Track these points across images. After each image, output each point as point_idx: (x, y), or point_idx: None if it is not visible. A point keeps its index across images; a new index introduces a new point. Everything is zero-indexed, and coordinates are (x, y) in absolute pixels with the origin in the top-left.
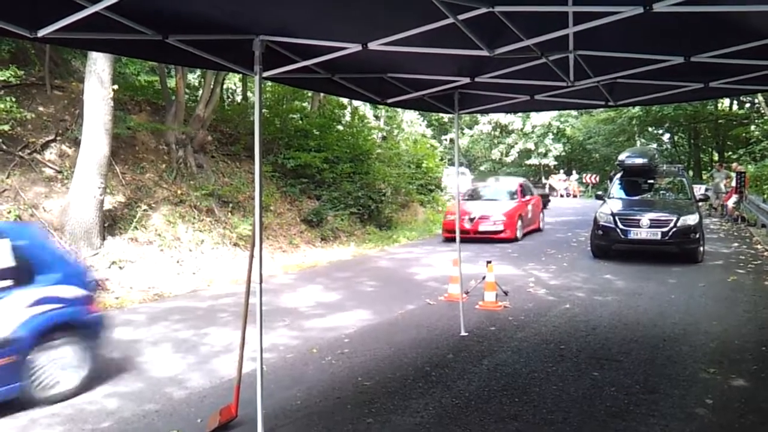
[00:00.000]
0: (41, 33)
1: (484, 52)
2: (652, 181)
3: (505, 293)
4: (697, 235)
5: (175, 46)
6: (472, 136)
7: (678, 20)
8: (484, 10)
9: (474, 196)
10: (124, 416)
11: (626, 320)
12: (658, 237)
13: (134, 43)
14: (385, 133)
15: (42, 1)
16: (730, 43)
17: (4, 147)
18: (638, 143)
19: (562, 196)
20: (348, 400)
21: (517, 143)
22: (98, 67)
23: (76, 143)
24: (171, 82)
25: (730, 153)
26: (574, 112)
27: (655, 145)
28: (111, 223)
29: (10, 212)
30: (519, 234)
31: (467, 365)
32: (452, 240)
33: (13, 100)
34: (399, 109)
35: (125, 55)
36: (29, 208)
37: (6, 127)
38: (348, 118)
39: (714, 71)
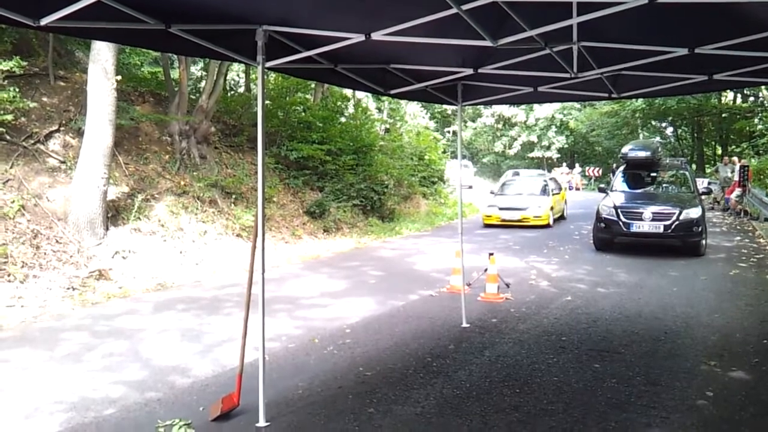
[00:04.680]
0: (44, 21)
1: (488, 43)
2: (655, 174)
3: (507, 285)
4: (700, 229)
5: (178, 36)
6: (475, 128)
7: (682, 11)
8: (488, 0)
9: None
10: (127, 404)
11: (628, 313)
12: (661, 230)
13: (137, 32)
14: (388, 126)
15: None
16: (734, 35)
17: (8, 137)
18: (641, 136)
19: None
20: (349, 390)
21: (520, 136)
22: (102, 58)
23: (79, 134)
24: (174, 73)
25: (733, 147)
26: (577, 105)
27: (658, 138)
28: (114, 214)
29: (14, 202)
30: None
31: (468, 356)
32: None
33: (17, 90)
34: (402, 101)
35: (128, 45)
36: (33, 197)
37: (9, 117)
38: (351, 110)
39: (718, 63)
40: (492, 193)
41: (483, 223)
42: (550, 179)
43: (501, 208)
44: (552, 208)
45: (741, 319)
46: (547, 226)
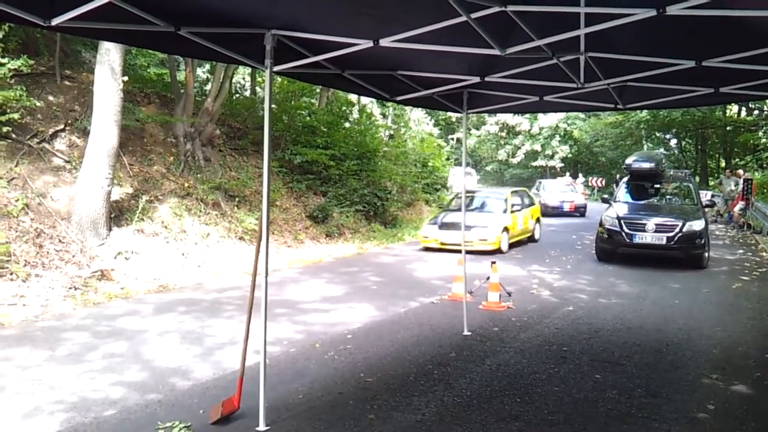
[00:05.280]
0: (55, 22)
1: (496, 51)
2: (658, 185)
3: (509, 294)
4: (703, 241)
5: (187, 38)
6: (479, 136)
7: (690, 24)
8: (496, 9)
9: None
10: (128, 405)
11: (629, 324)
12: (664, 242)
13: (147, 34)
14: (392, 132)
15: None
16: (742, 48)
17: (14, 136)
18: (645, 147)
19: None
20: (350, 396)
21: (523, 144)
22: (109, 58)
23: (85, 133)
24: (180, 75)
25: (737, 159)
26: (581, 115)
27: (662, 150)
28: (118, 214)
29: (18, 200)
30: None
31: (469, 364)
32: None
33: (24, 88)
34: (406, 108)
35: (137, 46)
36: (37, 196)
37: (16, 116)
38: (356, 115)
39: (725, 76)
40: (441, 207)
41: (422, 246)
42: (513, 192)
43: (441, 227)
44: (507, 230)
45: (743, 332)
46: (498, 251)
